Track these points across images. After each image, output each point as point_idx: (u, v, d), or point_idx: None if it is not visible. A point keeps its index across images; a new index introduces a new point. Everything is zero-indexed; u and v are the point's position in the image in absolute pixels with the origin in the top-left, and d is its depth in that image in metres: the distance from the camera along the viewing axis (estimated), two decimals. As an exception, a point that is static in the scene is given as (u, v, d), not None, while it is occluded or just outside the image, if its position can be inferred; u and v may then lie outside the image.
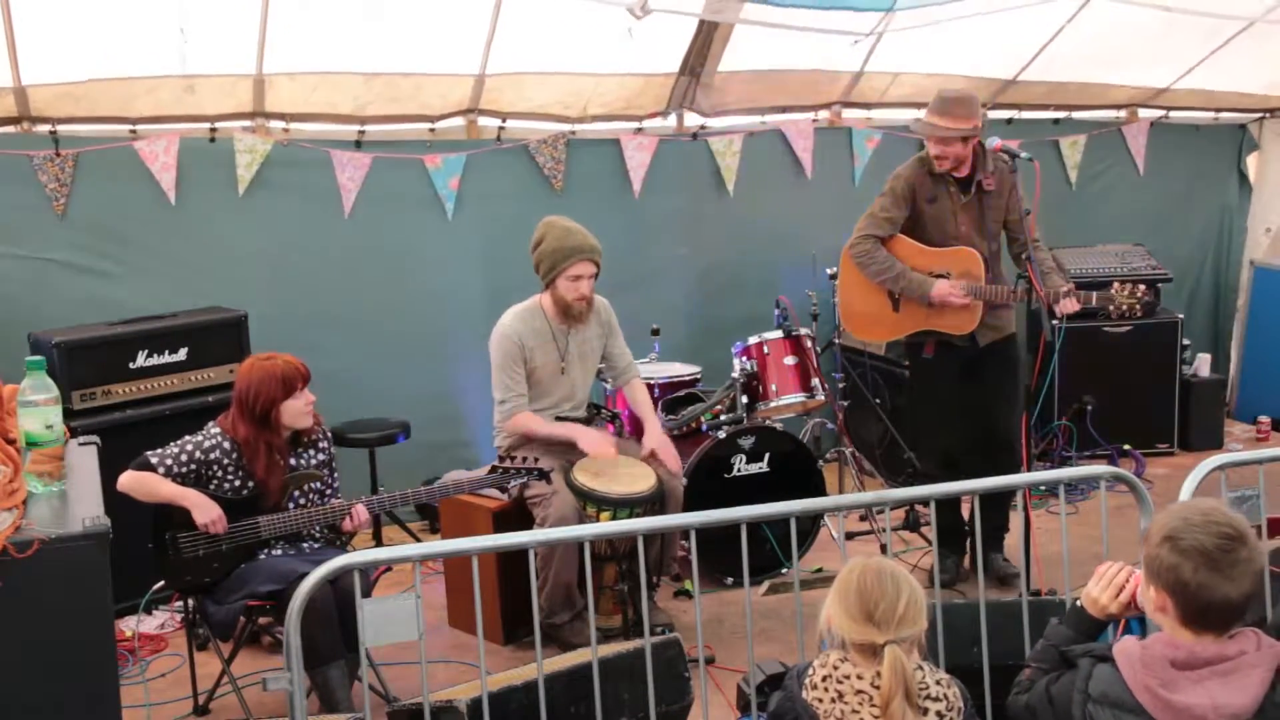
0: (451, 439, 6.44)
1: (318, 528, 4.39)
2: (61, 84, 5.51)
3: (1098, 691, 2.36)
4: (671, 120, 6.93)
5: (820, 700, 2.56)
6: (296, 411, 4.29)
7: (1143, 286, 4.95)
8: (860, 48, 6.73)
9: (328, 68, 5.90)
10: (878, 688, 2.50)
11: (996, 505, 5.23)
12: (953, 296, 5.05)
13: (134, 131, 5.75)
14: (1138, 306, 4.94)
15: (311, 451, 4.44)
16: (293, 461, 4.37)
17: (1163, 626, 2.39)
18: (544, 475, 4.60)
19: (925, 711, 2.53)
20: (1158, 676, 2.29)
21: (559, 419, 5.04)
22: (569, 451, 4.91)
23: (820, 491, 5.54)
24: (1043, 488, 5.99)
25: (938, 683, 2.59)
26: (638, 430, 5.22)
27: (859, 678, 2.54)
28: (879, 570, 2.56)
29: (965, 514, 5.29)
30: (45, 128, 5.56)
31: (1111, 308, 4.98)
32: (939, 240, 5.15)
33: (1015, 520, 5.36)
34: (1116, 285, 4.97)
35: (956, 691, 2.60)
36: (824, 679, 2.57)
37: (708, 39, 6.46)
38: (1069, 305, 4.93)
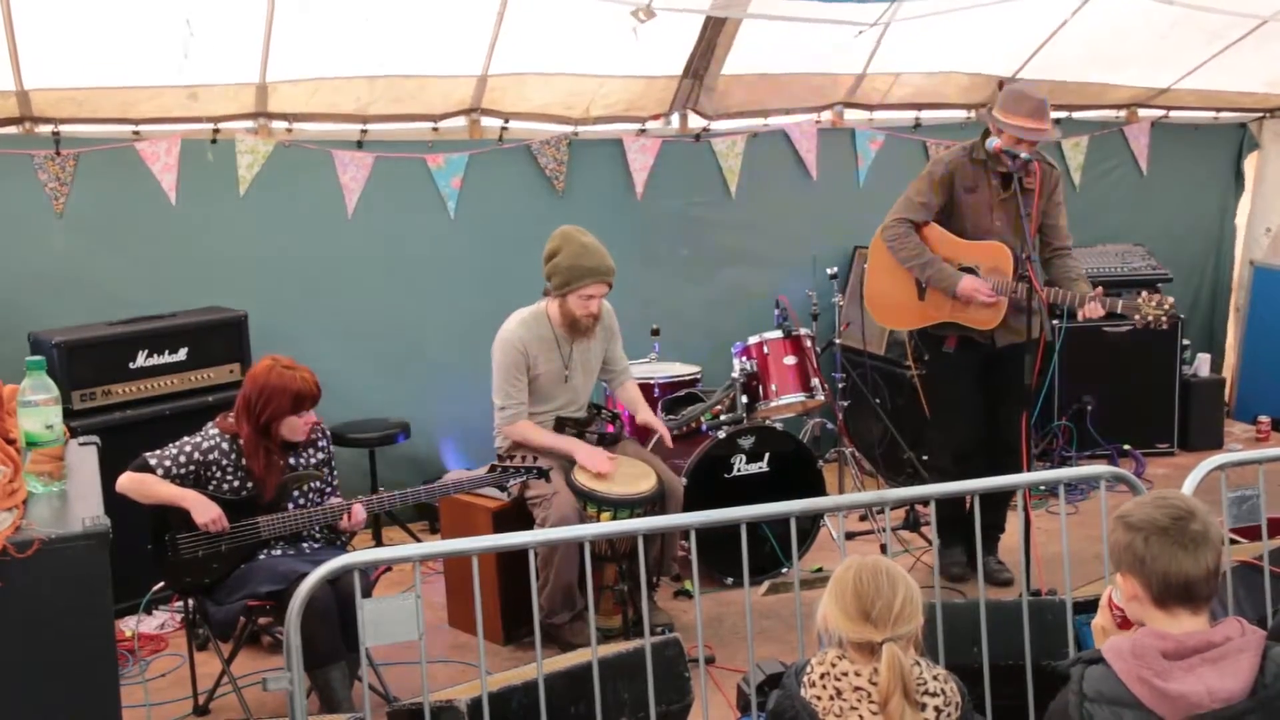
0: (452, 439, 6.45)
1: (317, 528, 4.39)
2: (64, 89, 5.52)
3: (1093, 690, 2.36)
4: (674, 122, 6.93)
5: (819, 698, 2.57)
6: (295, 427, 4.28)
7: (1170, 299, 4.89)
8: (862, 49, 6.73)
9: (331, 73, 5.90)
10: (875, 684, 2.51)
11: (993, 506, 5.19)
12: (979, 293, 5.00)
13: (137, 133, 5.75)
14: (1164, 319, 4.84)
15: (310, 451, 4.44)
16: (291, 461, 4.37)
17: (1142, 619, 2.42)
18: (543, 474, 4.60)
19: (923, 707, 2.53)
20: (1151, 667, 2.31)
21: (559, 419, 5.04)
22: (567, 457, 4.91)
23: (820, 491, 5.53)
24: (1043, 488, 5.99)
25: (935, 678, 2.59)
26: (639, 438, 5.24)
27: (857, 675, 2.54)
28: (875, 569, 2.57)
29: (967, 504, 5.26)
30: (48, 128, 5.57)
31: (1138, 317, 4.87)
32: (972, 233, 5.12)
33: (1013, 521, 5.35)
34: (1144, 295, 4.90)
35: (954, 687, 2.61)
36: (822, 676, 2.58)
37: (712, 41, 6.46)
38: (1094, 310, 4.86)
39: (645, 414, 5.19)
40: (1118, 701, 2.32)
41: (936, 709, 2.55)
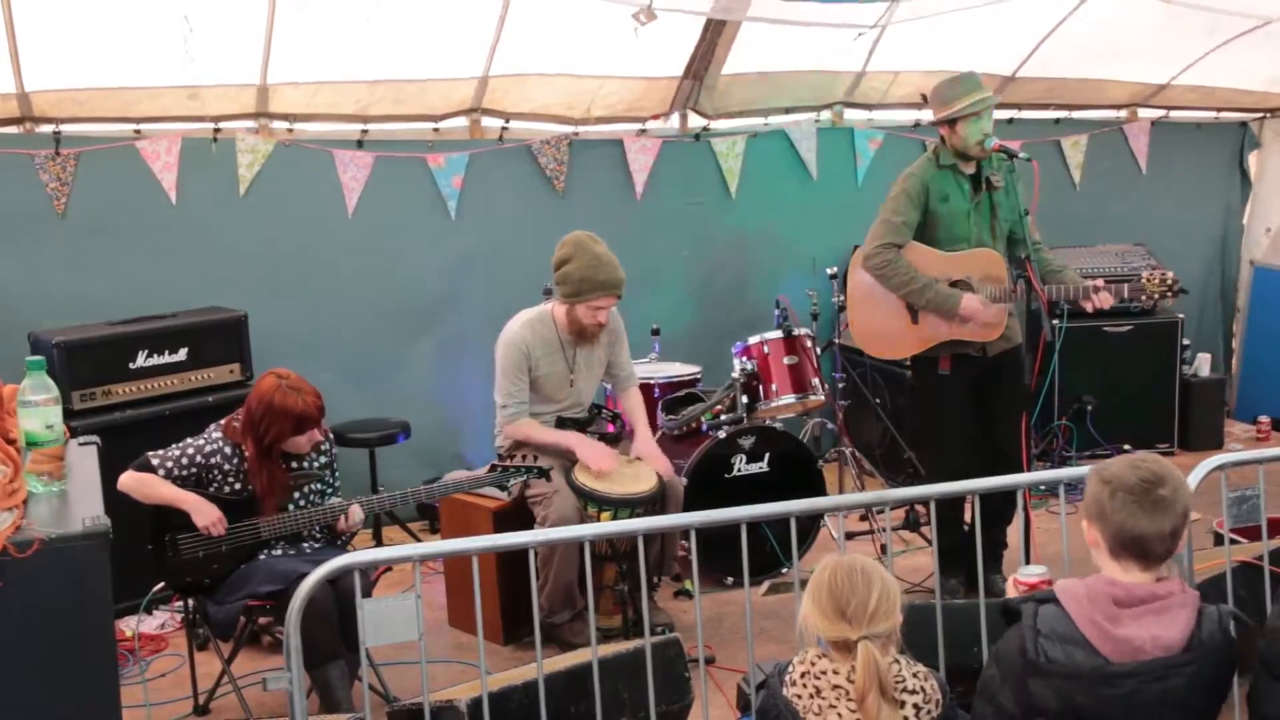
0: (452, 439, 6.45)
1: (317, 528, 4.39)
2: (65, 90, 5.52)
3: (1046, 628, 2.55)
4: (674, 122, 6.94)
5: (799, 696, 2.59)
6: (298, 444, 4.28)
7: (1171, 273, 4.85)
8: (861, 46, 6.72)
9: (332, 76, 5.91)
10: (854, 682, 2.53)
11: (996, 521, 5.05)
12: (982, 314, 4.84)
13: (138, 132, 5.75)
14: (1170, 294, 4.80)
15: (313, 454, 4.43)
16: (294, 465, 4.36)
17: (1099, 565, 2.64)
18: (544, 473, 4.60)
19: (902, 704, 2.55)
20: (1103, 611, 2.53)
21: (560, 419, 5.03)
22: (569, 452, 4.91)
23: (820, 491, 5.53)
24: (1043, 488, 5.98)
25: (914, 675, 2.60)
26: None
27: (835, 673, 2.56)
28: (850, 568, 2.60)
29: (965, 527, 5.13)
30: (49, 128, 5.57)
31: (1144, 297, 4.85)
32: (948, 242, 4.95)
33: (1014, 521, 5.33)
34: (1146, 274, 4.87)
35: (935, 684, 2.63)
36: (802, 675, 2.60)
37: (712, 42, 6.46)
38: (1103, 300, 4.76)
39: (642, 443, 5.05)
40: (1069, 640, 2.53)
41: (916, 706, 2.57)
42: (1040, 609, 2.59)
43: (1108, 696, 2.51)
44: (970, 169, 4.99)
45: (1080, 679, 2.51)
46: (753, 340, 5.74)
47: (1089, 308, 4.85)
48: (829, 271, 6.25)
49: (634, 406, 5.25)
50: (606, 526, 4.22)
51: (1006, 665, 2.61)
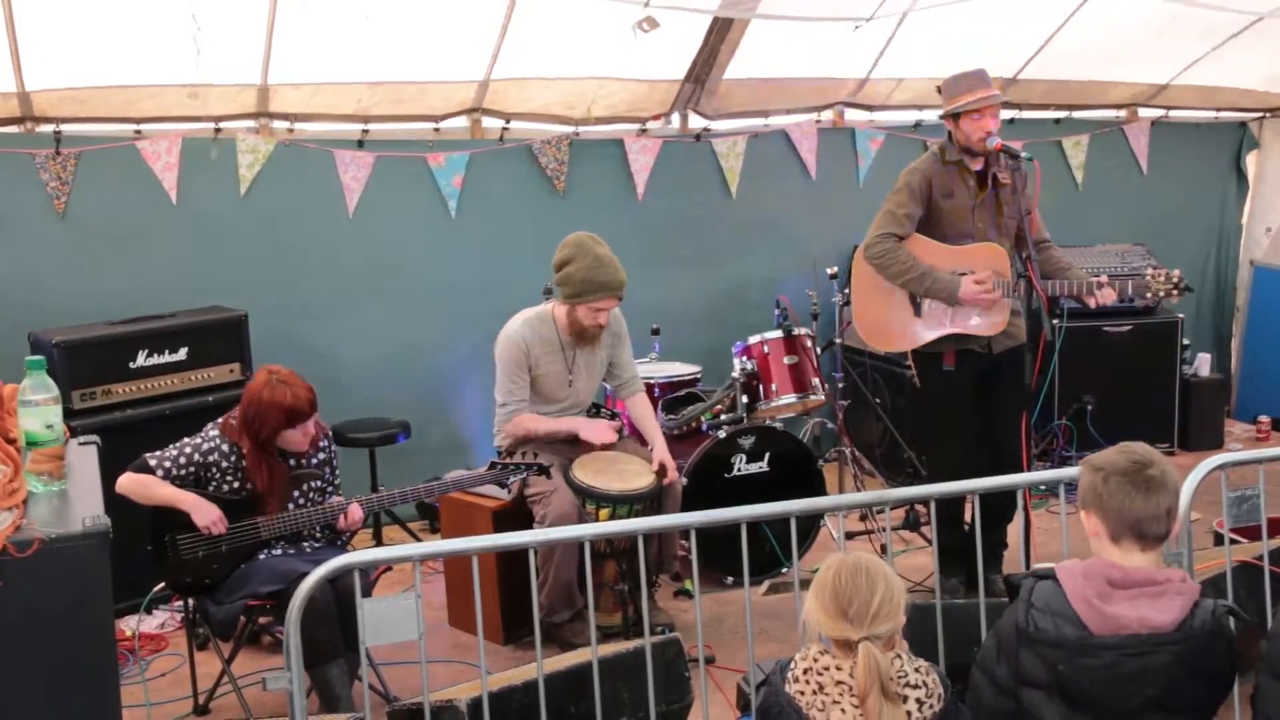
0: (452, 439, 6.45)
1: (317, 527, 4.39)
2: (66, 89, 5.52)
3: (1040, 602, 2.66)
4: (675, 122, 6.93)
5: (802, 693, 2.59)
6: (293, 440, 4.28)
7: (1178, 271, 4.87)
8: (866, 54, 6.71)
9: (333, 76, 5.91)
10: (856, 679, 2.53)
11: (996, 522, 5.03)
12: (983, 295, 4.83)
13: (138, 132, 5.75)
14: (1175, 291, 4.82)
15: (312, 452, 4.43)
16: (292, 463, 4.36)
17: (1101, 554, 2.73)
18: (544, 469, 4.61)
19: (905, 699, 2.56)
20: (1096, 590, 2.63)
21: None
22: (568, 449, 4.91)
23: (820, 491, 5.53)
24: (1043, 488, 5.98)
25: (916, 670, 2.61)
26: (638, 436, 5.23)
27: (838, 669, 2.57)
28: (854, 567, 2.60)
29: (965, 525, 5.14)
30: (49, 127, 5.57)
31: (1149, 295, 4.86)
32: (954, 238, 4.95)
33: (1013, 521, 5.33)
34: (1151, 272, 4.88)
35: (936, 679, 2.63)
36: (805, 672, 2.61)
37: (715, 46, 6.45)
38: (1106, 296, 4.77)
39: (658, 447, 5.02)
40: (1059, 615, 2.63)
41: (918, 701, 2.57)
42: (1038, 584, 2.70)
43: (1087, 666, 2.58)
44: (977, 165, 4.97)
45: (1063, 648, 2.60)
46: (753, 340, 5.74)
47: (1092, 304, 4.86)
48: (829, 271, 6.24)
49: (643, 415, 5.19)
50: (606, 526, 4.22)
51: (1003, 637, 2.70)
